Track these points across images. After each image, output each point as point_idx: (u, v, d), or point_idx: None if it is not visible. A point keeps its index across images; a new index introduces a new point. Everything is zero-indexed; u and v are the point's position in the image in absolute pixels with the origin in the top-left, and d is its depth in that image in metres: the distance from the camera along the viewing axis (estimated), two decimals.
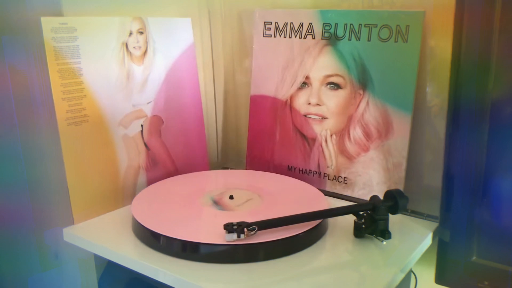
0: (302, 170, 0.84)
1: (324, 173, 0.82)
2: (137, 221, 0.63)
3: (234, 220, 0.59)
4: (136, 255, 0.60)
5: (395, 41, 0.73)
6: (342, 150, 0.79)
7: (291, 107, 0.84)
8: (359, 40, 0.76)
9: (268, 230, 0.60)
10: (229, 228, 0.57)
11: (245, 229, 0.57)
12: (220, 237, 0.58)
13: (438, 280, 0.69)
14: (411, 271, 0.74)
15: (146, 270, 0.58)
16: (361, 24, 0.76)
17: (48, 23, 0.64)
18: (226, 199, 0.71)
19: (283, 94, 0.85)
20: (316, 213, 0.63)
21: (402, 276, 0.60)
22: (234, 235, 0.57)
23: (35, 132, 0.68)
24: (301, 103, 0.83)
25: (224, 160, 1.01)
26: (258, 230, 0.58)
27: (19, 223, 0.68)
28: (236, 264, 0.58)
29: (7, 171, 0.66)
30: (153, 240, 0.61)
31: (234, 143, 1.00)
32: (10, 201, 0.67)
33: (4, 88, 0.64)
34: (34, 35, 0.65)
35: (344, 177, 0.79)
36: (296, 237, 0.60)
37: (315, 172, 0.83)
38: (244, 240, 0.57)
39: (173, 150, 0.83)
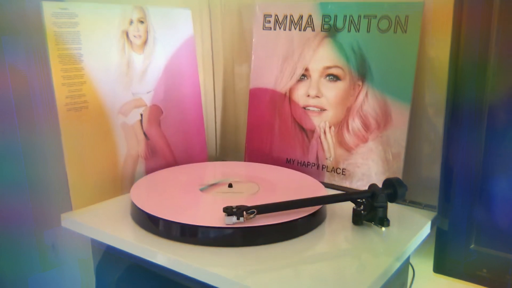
0: (300, 163, 0.84)
1: (323, 165, 0.82)
2: (136, 206, 0.63)
3: (234, 205, 0.59)
4: (135, 238, 0.60)
5: (394, 32, 0.74)
6: (340, 142, 0.80)
7: (290, 100, 0.84)
8: (359, 31, 0.77)
9: (267, 215, 0.60)
10: (228, 211, 0.57)
11: (244, 212, 0.57)
12: (219, 221, 0.58)
13: (436, 270, 0.69)
14: (409, 263, 0.74)
15: (144, 253, 0.58)
16: (360, 16, 0.77)
17: (49, 8, 0.64)
18: (225, 187, 0.70)
19: (282, 86, 0.85)
20: (315, 199, 0.63)
21: (399, 264, 0.59)
22: (234, 218, 0.57)
23: (35, 132, 0.68)
24: (300, 95, 0.83)
25: (223, 154, 1.01)
26: (257, 213, 0.58)
27: (19, 223, 0.68)
28: (235, 247, 0.57)
29: (7, 171, 0.66)
30: (152, 224, 0.61)
31: (233, 137, 1.00)
32: (10, 201, 0.67)
33: (4, 88, 0.64)
34: (34, 35, 0.65)
35: (343, 169, 0.80)
36: (295, 222, 0.60)
37: (313, 164, 0.83)
38: (243, 223, 0.57)
39: (172, 141, 0.83)
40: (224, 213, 0.57)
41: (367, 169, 0.77)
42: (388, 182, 0.66)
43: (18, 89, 0.66)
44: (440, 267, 0.69)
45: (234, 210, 0.57)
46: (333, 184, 0.80)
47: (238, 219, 0.56)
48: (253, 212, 0.58)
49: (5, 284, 0.68)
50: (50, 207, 0.71)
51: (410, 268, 0.74)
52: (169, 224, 0.59)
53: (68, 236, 0.71)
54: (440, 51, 0.72)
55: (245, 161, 0.90)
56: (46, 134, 0.69)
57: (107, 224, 0.64)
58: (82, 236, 0.68)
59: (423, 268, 0.74)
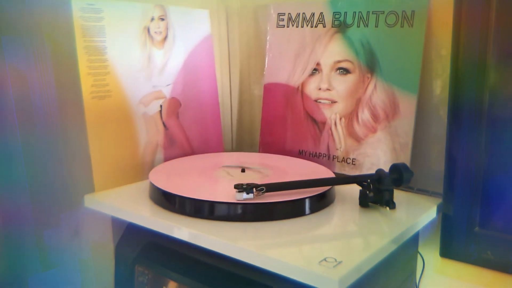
0: (312, 154, 0.87)
1: (333, 156, 0.85)
2: (154, 185, 0.67)
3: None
4: (153, 214, 0.64)
5: (401, 26, 0.77)
6: (350, 133, 0.83)
7: (302, 93, 0.88)
8: (367, 26, 0.80)
9: (276, 193, 0.63)
10: (239, 187, 0.61)
11: (254, 189, 0.61)
12: (230, 197, 0.62)
13: (442, 253, 0.71)
14: (418, 253, 0.76)
15: (161, 227, 0.62)
16: (369, 12, 0.80)
17: (77, 3, 0.70)
18: (238, 172, 0.74)
19: (295, 81, 0.89)
20: (322, 180, 0.66)
21: (399, 243, 0.61)
22: (244, 194, 0.60)
23: (35, 132, 0.69)
24: (312, 88, 0.87)
25: (238, 149, 1.04)
26: (266, 191, 0.62)
27: (19, 223, 0.68)
28: (245, 222, 0.61)
29: (7, 171, 0.67)
30: (169, 202, 0.65)
31: (249, 132, 1.04)
32: (10, 201, 0.67)
33: (4, 88, 0.65)
34: (34, 35, 0.67)
35: (353, 159, 0.83)
36: (303, 200, 0.63)
37: (324, 155, 0.86)
38: (253, 199, 0.61)
39: (189, 132, 0.87)
40: (235, 189, 0.61)
41: (376, 159, 0.80)
42: (394, 167, 0.69)
43: (18, 89, 0.66)
44: (446, 251, 0.71)
45: (245, 186, 0.60)
46: (343, 174, 0.83)
47: (247, 194, 0.60)
48: (262, 189, 0.61)
49: (5, 284, 0.68)
50: (50, 207, 0.71)
51: (419, 257, 0.76)
52: (184, 200, 0.63)
53: (68, 236, 0.72)
54: (444, 43, 0.74)
55: (259, 152, 0.94)
56: (46, 134, 0.70)
57: (127, 203, 0.68)
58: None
59: (431, 257, 0.76)
